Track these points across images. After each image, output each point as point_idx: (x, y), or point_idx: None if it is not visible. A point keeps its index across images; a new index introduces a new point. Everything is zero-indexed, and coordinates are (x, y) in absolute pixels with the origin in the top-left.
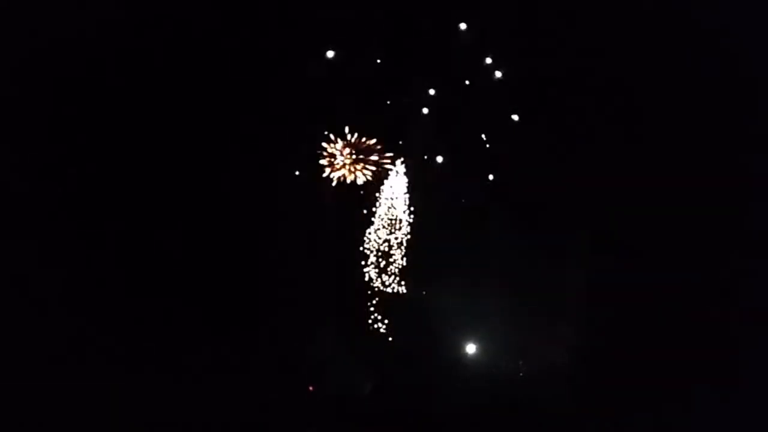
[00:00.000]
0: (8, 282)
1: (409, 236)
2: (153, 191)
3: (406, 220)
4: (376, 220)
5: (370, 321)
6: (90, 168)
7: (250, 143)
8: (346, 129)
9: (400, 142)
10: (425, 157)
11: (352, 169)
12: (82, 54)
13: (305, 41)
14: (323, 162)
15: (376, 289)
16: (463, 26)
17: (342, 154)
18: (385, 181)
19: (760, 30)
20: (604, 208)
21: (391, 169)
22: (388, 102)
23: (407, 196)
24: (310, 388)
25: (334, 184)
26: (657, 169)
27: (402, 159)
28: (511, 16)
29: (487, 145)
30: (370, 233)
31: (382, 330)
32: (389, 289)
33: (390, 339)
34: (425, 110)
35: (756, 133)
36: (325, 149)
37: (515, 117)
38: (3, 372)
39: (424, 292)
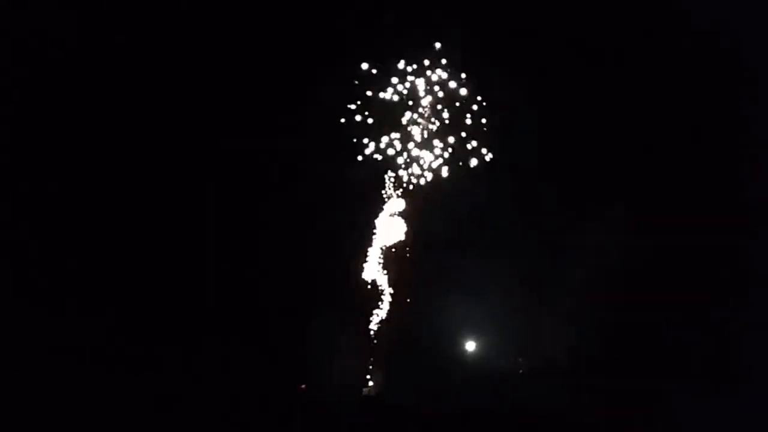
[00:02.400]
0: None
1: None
2: (156, 191)
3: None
4: (378, 218)
5: (370, 319)
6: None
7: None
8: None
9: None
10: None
11: None
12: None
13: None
14: None
15: (377, 287)
16: None
17: None
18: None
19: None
20: (605, 206)
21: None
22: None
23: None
24: (303, 386)
25: None
26: (658, 168)
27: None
28: None
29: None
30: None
31: (381, 328)
32: (390, 287)
33: (390, 337)
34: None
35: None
36: None
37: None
38: (3, 372)
39: (425, 291)
